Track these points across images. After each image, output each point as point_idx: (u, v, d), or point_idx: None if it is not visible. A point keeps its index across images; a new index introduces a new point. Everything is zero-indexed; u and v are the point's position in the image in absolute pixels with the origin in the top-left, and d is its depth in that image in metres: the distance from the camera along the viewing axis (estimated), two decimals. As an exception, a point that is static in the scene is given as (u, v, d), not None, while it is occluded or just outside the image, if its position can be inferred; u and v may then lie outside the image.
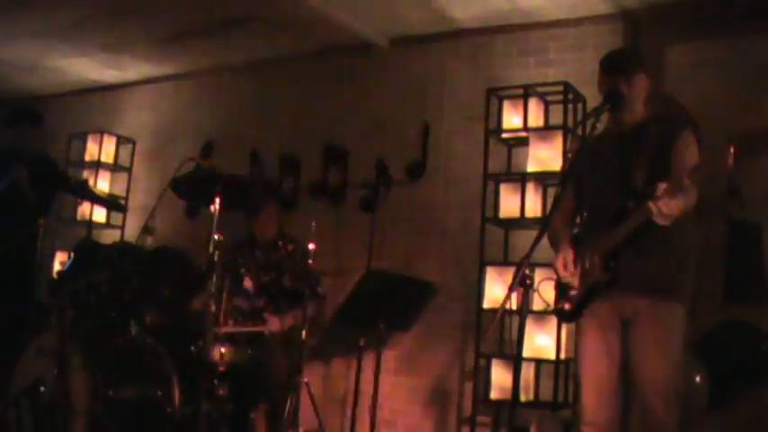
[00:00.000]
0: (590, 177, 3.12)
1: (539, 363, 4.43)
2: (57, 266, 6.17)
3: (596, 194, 3.09)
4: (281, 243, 4.73)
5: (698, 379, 3.71)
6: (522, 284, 2.46)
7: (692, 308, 2.96)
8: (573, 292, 3.01)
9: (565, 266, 3.05)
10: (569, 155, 4.38)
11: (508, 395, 4.43)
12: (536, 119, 4.76)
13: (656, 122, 3.00)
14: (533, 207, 4.64)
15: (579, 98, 4.69)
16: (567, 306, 3.05)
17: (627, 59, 3.13)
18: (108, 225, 6.69)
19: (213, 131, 6.23)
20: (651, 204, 2.71)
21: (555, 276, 3.14)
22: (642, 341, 2.89)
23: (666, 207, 2.69)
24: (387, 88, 5.60)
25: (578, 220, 3.62)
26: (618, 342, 2.98)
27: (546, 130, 4.72)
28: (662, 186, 2.69)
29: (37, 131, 5.33)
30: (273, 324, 4.37)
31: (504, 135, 4.87)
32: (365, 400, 4.19)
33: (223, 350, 3.93)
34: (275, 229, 4.81)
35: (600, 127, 2.93)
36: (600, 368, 3.00)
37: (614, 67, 3.08)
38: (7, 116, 5.31)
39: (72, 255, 4.70)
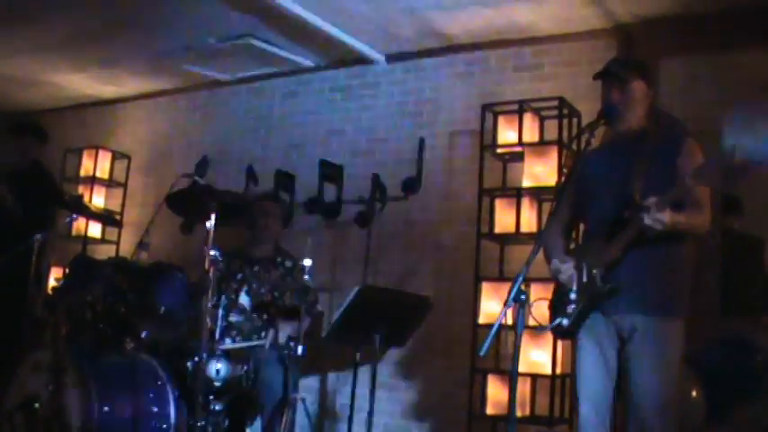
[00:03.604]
0: (589, 189, 3.11)
1: (535, 378, 4.42)
2: (52, 282, 6.15)
3: (596, 206, 3.07)
4: (279, 259, 4.72)
5: (694, 393, 3.70)
6: (518, 300, 2.46)
7: (689, 322, 2.95)
8: (570, 308, 3.00)
9: (562, 261, 3.03)
10: (565, 170, 4.38)
11: (504, 410, 4.43)
12: (531, 134, 4.77)
13: (656, 132, 2.98)
14: (529, 222, 4.65)
15: (574, 113, 4.70)
16: (564, 322, 3.04)
17: (622, 67, 3.10)
18: (103, 240, 6.69)
19: (208, 147, 6.23)
20: (645, 216, 2.71)
21: (548, 296, 3.13)
22: (640, 357, 2.88)
23: (662, 217, 2.68)
24: (382, 103, 5.61)
25: (574, 234, 3.64)
26: (616, 358, 2.98)
27: (541, 145, 4.73)
28: (652, 200, 2.69)
29: (40, 148, 5.35)
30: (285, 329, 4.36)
31: (499, 150, 4.88)
32: (360, 416, 4.18)
33: (219, 365, 3.92)
34: (273, 244, 4.81)
35: (594, 142, 2.92)
36: (597, 384, 2.99)
37: (608, 74, 3.07)
38: (12, 127, 5.32)
39: (67, 270, 4.68)
